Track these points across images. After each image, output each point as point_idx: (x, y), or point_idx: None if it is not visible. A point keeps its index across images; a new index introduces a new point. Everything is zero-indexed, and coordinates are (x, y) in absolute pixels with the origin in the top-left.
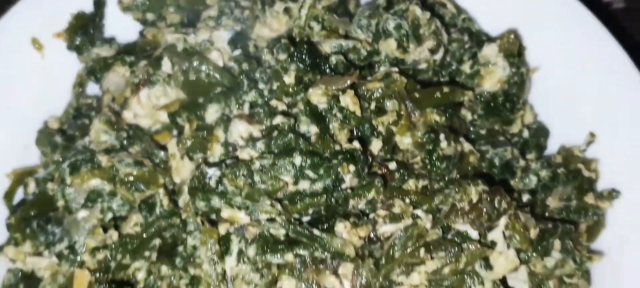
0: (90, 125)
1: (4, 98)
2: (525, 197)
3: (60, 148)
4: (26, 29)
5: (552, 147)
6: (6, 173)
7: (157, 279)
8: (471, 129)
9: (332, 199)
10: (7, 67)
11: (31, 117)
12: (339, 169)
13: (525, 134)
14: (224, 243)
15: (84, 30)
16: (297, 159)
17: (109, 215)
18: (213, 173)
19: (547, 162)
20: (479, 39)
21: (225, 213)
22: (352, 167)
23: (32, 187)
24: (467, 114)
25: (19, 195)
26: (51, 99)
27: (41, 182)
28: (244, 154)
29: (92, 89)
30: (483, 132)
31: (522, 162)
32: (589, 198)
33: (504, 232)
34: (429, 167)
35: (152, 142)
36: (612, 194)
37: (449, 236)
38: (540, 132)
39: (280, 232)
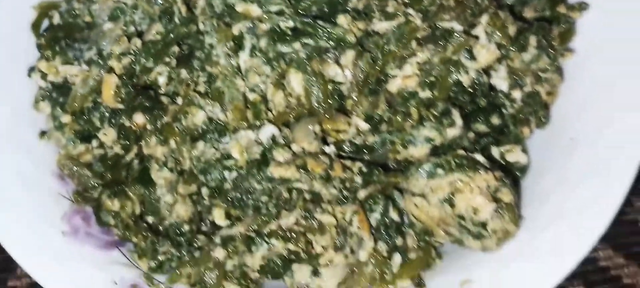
0: None
1: None
2: None
3: None
4: None
5: None
6: (32, 5)
7: (177, 84)
8: None
9: None
10: None
11: None
12: None
13: None
14: (238, 41)
15: None
16: None
17: (132, 28)
18: None
19: None
20: None
21: (240, 7)
22: None
23: (56, 18)
24: None
25: (44, 27)
26: None
27: (65, 13)
28: None
29: None
30: None
31: None
32: (561, 8)
33: (485, 28)
34: None
35: None
36: (581, 5)
37: (437, 33)
38: None
39: (288, 24)
